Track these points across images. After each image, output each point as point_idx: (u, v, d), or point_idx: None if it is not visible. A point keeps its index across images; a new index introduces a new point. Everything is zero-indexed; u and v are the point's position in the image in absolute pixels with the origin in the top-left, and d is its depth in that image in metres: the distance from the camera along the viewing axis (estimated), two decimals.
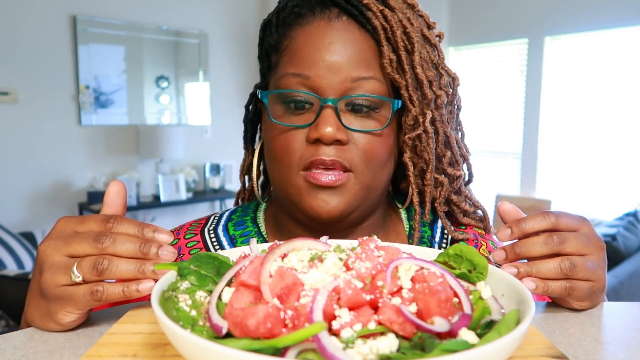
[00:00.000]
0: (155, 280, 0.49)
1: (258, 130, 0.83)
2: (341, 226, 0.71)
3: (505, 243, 0.59)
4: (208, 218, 0.82)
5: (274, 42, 0.72)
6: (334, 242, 0.54)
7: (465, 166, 0.79)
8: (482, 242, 0.80)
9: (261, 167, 0.84)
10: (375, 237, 0.51)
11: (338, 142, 0.65)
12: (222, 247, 0.75)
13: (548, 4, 3.92)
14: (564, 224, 0.57)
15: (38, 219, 3.90)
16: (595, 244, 0.57)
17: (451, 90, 0.73)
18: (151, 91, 4.43)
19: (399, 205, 0.83)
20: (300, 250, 0.47)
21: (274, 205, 0.80)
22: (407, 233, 0.80)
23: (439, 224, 0.81)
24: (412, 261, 0.45)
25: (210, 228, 0.79)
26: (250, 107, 0.82)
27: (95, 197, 3.90)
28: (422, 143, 0.71)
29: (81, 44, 3.97)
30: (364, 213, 0.73)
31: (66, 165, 4.00)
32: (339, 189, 0.67)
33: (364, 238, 0.51)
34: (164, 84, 4.50)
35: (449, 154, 0.74)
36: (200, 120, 4.73)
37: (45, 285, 0.51)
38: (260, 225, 0.79)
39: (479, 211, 0.81)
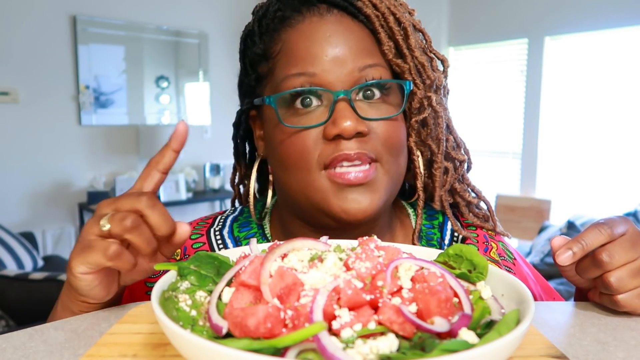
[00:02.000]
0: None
1: (247, 145, 0.81)
2: (365, 226, 0.69)
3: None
4: (215, 218, 0.81)
5: (261, 51, 0.69)
6: (334, 242, 0.54)
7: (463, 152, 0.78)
8: (493, 244, 0.79)
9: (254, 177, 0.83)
10: (375, 237, 0.51)
11: (359, 135, 0.63)
12: (226, 249, 0.75)
13: (548, 4, 3.92)
14: (618, 234, 0.55)
15: (38, 219, 3.90)
16: None
17: (443, 73, 0.73)
18: (151, 91, 4.43)
19: (405, 203, 0.82)
20: (300, 250, 0.47)
21: (281, 210, 0.78)
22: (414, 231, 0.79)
23: (449, 226, 0.79)
24: (412, 261, 0.45)
25: (217, 229, 0.78)
26: (240, 126, 0.79)
27: (95, 197, 3.90)
28: (428, 127, 0.70)
29: (81, 44, 3.97)
30: (387, 207, 0.71)
31: (66, 165, 4.00)
32: (369, 185, 0.64)
33: (364, 238, 0.51)
34: (164, 84, 4.50)
35: (451, 137, 0.74)
36: (200, 120, 4.73)
37: (83, 231, 0.53)
38: (265, 227, 0.79)
39: (483, 204, 0.80)
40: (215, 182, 4.61)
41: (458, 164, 0.75)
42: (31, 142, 3.82)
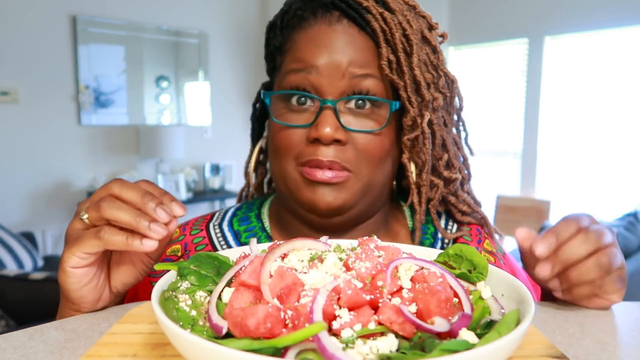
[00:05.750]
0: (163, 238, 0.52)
1: (266, 128, 0.84)
2: (341, 223, 0.72)
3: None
4: (213, 214, 0.83)
5: (278, 44, 0.74)
6: (334, 242, 0.54)
7: (464, 167, 0.79)
8: (486, 236, 0.81)
9: (268, 165, 0.85)
10: (375, 237, 0.51)
11: (337, 142, 0.67)
12: (227, 242, 0.76)
13: (548, 4, 3.92)
14: (584, 225, 0.56)
15: (38, 219, 3.90)
16: (608, 232, 0.57)
17: (449, 93, 0.73)
18: (151, 91, 4.43)
19: (402, 203, 0.83)
20: (300, 250, 0.47)
21: (277, 202, 0.81)
22: (410, 230, 0.81)
23: (442, 220, 0.82)
24: (412, 261, 0.45)
25: (216, 223, 0.80)
26: (257, 104, 0.83)
27: None
28: (419, 144, 0.72)
29: (81, 44, 3.97)
30: (364, 210, 0.73)
31: (66, 165, 4.00)
32: (338, 186, 0.68)
33: (364, 238, 0.51)
34: (164, 84, 4.50)
35: (445, 156, 0.75)
36: (200, 120, 4.73)
37: (67, 231, 0.56)
38: (264, 221, 0.80)
39: (477, 215, 0.82)
40: (215, 182, 4.61)
41: (450, 180, 0.76)
42: (31, 142, 3.82)
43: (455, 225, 0.82)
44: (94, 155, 4.13)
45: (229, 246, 0.76)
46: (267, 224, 0.80)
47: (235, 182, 4.83)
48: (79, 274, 0.54)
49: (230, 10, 4.74)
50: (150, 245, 0.51)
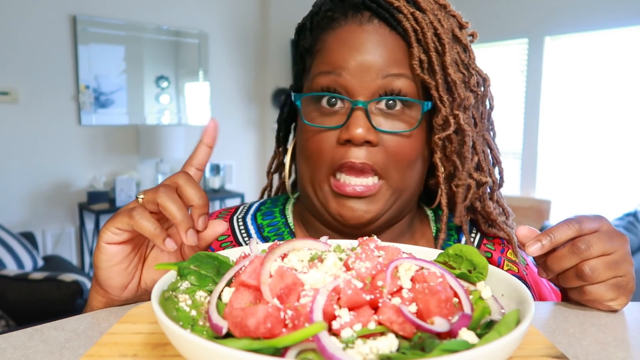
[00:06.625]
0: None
1: (292, 130, 0.84)
2: (370, 231, 0.71)
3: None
4: (237, 207, 0.84)
5: (308, 46, 0.73)
6: (334, 242, 0.54)
7: (497, 170, 0.77)
8: (509, 245, 0.80)
9: (293, 167, 0.84)
10: (375, 237, 0.51)
11: (368, 143, 0.66)
12: (249, 235, 0.77)
13: (548, 4, 3.92)
14: (587, 229, 0.57)
15: (38, 219, 3.90)
16: (617, 239, 0.58)
17: (482, 91, 0.72)
18: (151, 91, 4.42)
19: (426, 207, 0.82)
20: (300, 250, 0.47)
21: (302, 202, 0.81)
22: (433, 235, 0.80)
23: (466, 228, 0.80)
24: (412, 261, 0.45)
25: (239, 217, 0.81)
26: (285, 107, 0.83)
27: (95, 197, 3.89)
28: (452, 144, 0.70)
29: (81, 44, 3.96)
30: (394, 216, 0.72)
31: (66, 165, 4.00)
32: (368, 198, 0.68)
33: (364, 238, 0.51)
34: (164, 84, 4.50)
35: (476, 158, 0.73)
36: (200, 120, 4.73)
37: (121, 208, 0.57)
38: (288, 216, 0.81)
39: (503, 233, 0.78)
40: (215, 182, 4.61)
41: (481, 183, 0.74)
42: (31, 142, 3.82)
43: (479, 235, 0.80)
44: (94, 155, 4.13)
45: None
46: (290, 219, 0.80)
47: (235, 182, 4.83)
48: (110, 252, 0.55)
49: (230, 10, 4.74)
50: (170, 246, 0.53)
